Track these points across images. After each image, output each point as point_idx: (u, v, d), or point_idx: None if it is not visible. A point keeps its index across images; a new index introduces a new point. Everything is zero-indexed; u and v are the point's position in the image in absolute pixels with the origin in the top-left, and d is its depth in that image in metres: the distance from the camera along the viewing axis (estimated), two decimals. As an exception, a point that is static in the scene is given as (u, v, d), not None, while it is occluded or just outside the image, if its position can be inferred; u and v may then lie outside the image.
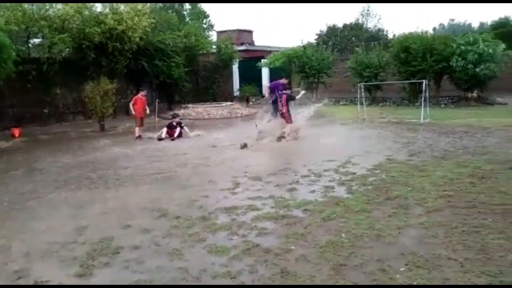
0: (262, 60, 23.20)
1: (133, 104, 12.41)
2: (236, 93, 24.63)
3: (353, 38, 44.61)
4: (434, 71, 17.47)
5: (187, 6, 40.84)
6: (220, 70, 24.05)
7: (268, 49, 25.85)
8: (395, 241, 4.23)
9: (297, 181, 6.69)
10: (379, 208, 5.22)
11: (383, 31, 47.95)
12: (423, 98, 13.58)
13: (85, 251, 4.32)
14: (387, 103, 18.95)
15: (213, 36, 29.20)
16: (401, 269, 3.64)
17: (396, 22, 78.16)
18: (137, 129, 12.36)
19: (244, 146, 9.92)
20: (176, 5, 38.50)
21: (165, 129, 12.16)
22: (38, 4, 15.33)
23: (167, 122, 13.09)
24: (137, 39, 16.33)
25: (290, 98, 11.01)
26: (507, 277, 3.40)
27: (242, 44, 26.40)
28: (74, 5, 15.24)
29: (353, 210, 5.17)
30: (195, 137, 12.18)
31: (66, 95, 16.64)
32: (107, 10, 16.66)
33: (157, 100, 15.77)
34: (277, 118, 11.24)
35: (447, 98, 17.99)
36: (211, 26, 41.01)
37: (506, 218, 4.63)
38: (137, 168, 8.34)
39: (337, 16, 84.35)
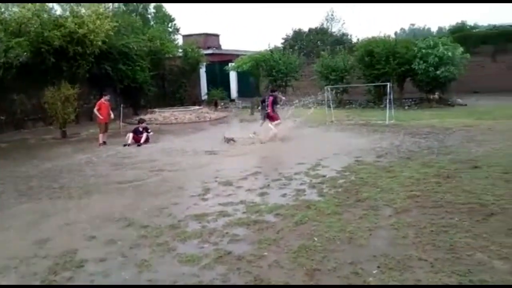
0: (230, 64, 23.14)
1: (98, 110, 12.05)
2: (204, 97, 24.43)
3: (318, 42, 45.28)
4: (397, 74, 17.95)
5: (151, 9, 40.20)
6: (187, 74, 23.79)
7: (235, 53, 25.79)
8: (367, 243, 4.25)
9: (268, 185, 6.64)
10: (349, 210, 5.24)
11: (347, 35, 48.96)
12: (387, 100, 13.91)
13: (46, 266, 4.10)
14: (354, 106, 19.29)
15: (179, 40, 28.92)
16: (374, 272, 3.64)
17: (359, 27, 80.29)
18: (101, 135, 11.96)
19: (230, 140, 10.10)
20: (140, 8, 37.82)
21: (131, 135, 11.84)
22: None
23: (133, 127, 12.77)
24: (100, 43, 15.91)
25: (275, 101, 11.85)
26: (475, 276, 3.46)
27: (209, 48, 26.21)
28: (32, 7, 14.64)
29: (324, 213, 5.17)
30: (162, 143, 11.92)
31: (25, 101, 15.93)
32: (67, 13, 16.14)
33: (121, 105, 15.37)
34: (266, 121, 11.87)
35: (410, 100, 18.53)
36: (176, 30, 40.55)
37: (472, 217, 4.75)
38: (101, 176, 8.04)
39: (302, 20, 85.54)
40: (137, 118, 14.60)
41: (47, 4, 16.30)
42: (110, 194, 6.70)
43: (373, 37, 19.83)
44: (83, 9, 16.27)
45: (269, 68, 21.89)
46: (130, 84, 18.62)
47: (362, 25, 79.53)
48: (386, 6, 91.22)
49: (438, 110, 16.14)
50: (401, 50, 17.80)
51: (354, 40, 40.27)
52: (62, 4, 16.85)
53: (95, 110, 12.21)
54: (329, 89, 15.68)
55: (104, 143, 11.88)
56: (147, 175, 7.95)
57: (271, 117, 11.58)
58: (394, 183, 6.30)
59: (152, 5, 39.81)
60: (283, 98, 13.33)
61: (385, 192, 5.88)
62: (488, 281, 3.38)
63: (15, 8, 14.89)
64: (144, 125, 12.38)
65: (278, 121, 11.63)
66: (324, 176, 7.03)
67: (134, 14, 33.65)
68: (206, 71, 25.11)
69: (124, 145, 11.46)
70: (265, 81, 22.55)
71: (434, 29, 57.50)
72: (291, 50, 26.29)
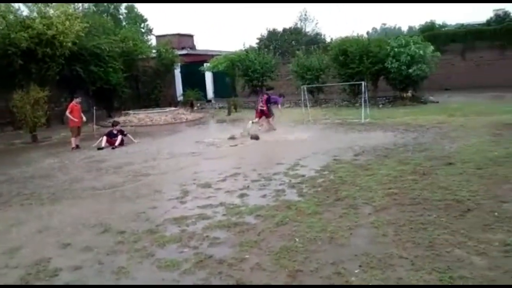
0: (205, 64, 22.97)
1: (70, 113, 11.70)
2: (180, 98, 24.14)
3: (293, 42, 45.64)
4: (371, 72, 18.23)
5: (123, 10, 39.49)
6: (162, 75, 23.49)
7: (210, 53, 25.64)
8: (348, 243, 4.24)
9: (248, 186, 6.58)
10: (329, 209, 5.24)
11: (321, 35, 49.57)
12: (363, 99, 14.08)
13: (18, 276, 3.92)
14: (330, 105, 19.48)
15: (153, 41, 28.51)
16: (356, 271, 3.63)
17: (333, 27, 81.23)
18: (73, 139, 11.62)
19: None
20: (111, 8, 37.10)
21: (104, 138, 11.56)
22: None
23: (107, 130, 12.46)
24: (70, 44, 15.54)
25: (268, 100, 13.04)
26: (455, 272, 3.50)
27: (183, 48, 25.94)
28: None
29: (305, 213, 5.15)
30: (138, 145, 11.68)
31: (-9, 105, 15.36)
32: (35, 14, 15.63)
33: (94, 108, 14.98)
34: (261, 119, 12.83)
35: (384, 98, 18.84)
36: (149, 31, 40.06)
37: (449, 213, 4.82)
38: (75, 180, 7.79)
39: (276, 20, 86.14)
40: (111, 120, 14.29)
41: (12, 4, 15.77)
42: (85, 200, 6.48)
43: (346, 37, 20.07)
44: (51, 10, 15.83)
45: (245, 68, 21.86)
46: (103, 85, 18.25)
47: (335, 25, 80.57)
48: (358, 6, 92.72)
49: (411, 107, 16.46)
50: (374, 49, 18.08)
51: (328, 39, 40.79)
52: (28, 4, 16.33)
53: (67, 113, 11.86)
54: (305, 88, 15.75)
55: (77, 146, 11.55)
56: (123, 179, 7.75)
57: (265, 114, 12.79)
58: (372, 181, 6.35)
59: (123, 5, 39.17)
60: (279, 99, 14.38)
61: (363, 191, 5.92)
62: (468, 277, 3.42)
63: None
64: (118, 127, 12.12)
65: (272, 117, 13.01)
66: (303, 175, 7.02)
67: (105, 14, 33.01)
68: (181, 72, 24.84)
69: (98, 149, 11.18)
70: (241, 81, 22.48)
71: (404, 28, 58.95)
72: (266, 50, 26.37)
